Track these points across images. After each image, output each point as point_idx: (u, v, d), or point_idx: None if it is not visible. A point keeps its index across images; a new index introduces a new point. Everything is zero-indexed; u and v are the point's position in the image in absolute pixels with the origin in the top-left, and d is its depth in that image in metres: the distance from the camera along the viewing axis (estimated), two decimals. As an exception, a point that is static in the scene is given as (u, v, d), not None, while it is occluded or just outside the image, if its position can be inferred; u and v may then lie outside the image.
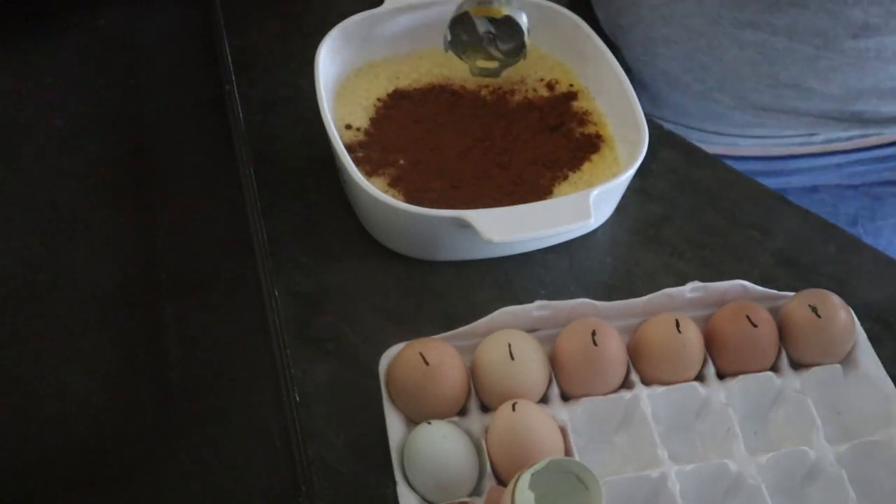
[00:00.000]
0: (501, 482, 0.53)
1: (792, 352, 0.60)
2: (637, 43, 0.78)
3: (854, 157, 0.79)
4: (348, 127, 0.69)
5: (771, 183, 0.71)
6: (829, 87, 0.72)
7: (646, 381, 0.58)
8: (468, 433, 0.55)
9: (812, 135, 0.78)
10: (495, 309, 0.58)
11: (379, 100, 0.71)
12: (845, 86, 0.72)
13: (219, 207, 0.68)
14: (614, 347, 0.57)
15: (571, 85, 0.73)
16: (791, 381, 0.59)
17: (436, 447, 0.53)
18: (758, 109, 0.76)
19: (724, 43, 0.72)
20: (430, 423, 0.53)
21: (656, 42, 0.76)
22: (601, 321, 0.57)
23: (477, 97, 0.73)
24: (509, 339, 0.56)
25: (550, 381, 0.57)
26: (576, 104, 0.72)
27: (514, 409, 0.53)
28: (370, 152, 0.67)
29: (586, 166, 0.68)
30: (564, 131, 0.70)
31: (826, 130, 0.77)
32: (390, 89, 0.72)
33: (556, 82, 0.73)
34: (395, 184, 0.65)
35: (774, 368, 0.59)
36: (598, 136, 0.69)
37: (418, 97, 0.72)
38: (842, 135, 0.77)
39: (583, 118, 0.71)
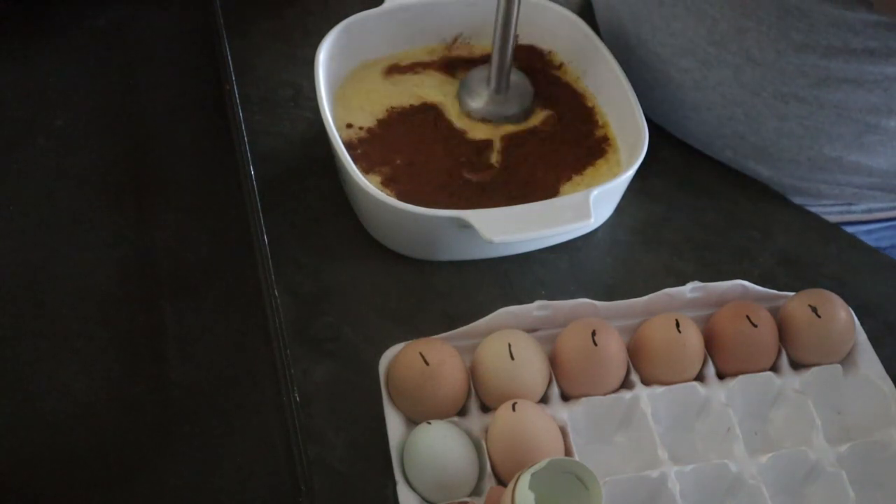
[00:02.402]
0: (501, 482, 0.53)
1: (792, 352, 0.60)
2: (663, 102, 0.72)
3: (890, 223, 0.75)
4: (349, 126, 0.69)
5: None
6: (875, 160, 0.68)
7: (646, 381, 0.58)
8: (468, 433, 0.55)
9: (851, 205, 0.73)
10: (495, 309, 0.58)
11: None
12: (892, 159, 0.68)
13: (219, 207, 0.68)
14: (614, 347, 0.57)
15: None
16: (791, 381, 0.59)
17: (436, 447, 0.53)
18: (796, 179, 0.70)
19: (764, 114, 0.67)
20: (430, 423, 0.53)
21: (685, 105, 0.70)
22: (601, 321, 0.57)
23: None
24: (509, 339, 0.56)
25: (550, 381, 0.57)
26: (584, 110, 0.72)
27: (514, 409, 0.53)
28: (369, 149, 0.67)
29: (589, 171, 0.68)
30: (568, 137, 0.70)
31: (868, 201, 0.73)
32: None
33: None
34: (388, 183, 0.65)
35: (774, 368, 0.59)
36: (605, 139, 0.69)
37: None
38: (883, 205, 0.74)
39: (590, 129, 0.70)
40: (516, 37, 0.66)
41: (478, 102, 0.70)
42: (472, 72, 0.71)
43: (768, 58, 0.63)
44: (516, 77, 0.71)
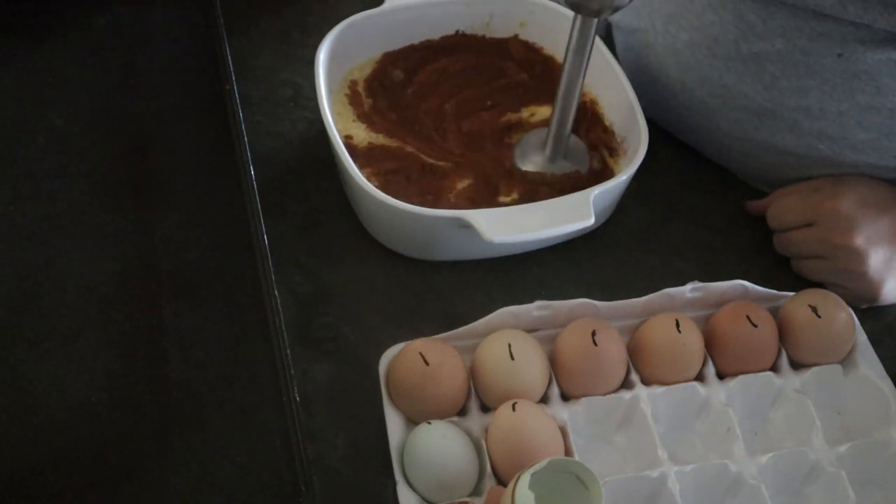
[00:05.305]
0: (501, 482, 0.53)
1: (792, 352, 0.60)
2: (707, 146, 0.72)
3: None
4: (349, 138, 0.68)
5: None
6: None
7: (646, 381, 0.58)
8: (468, 433, 0.55)
9: None
10: (495, 309, 0.58)
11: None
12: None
13: (219, 207, 0.68)
14: (614, 347, 0.57)
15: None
16: (791, 381, 0.59)
17: (436, 447, 0.53)
18: None
19: (819, 162, 0.66)
20: (430, 423, 0.53)
21: (732, 150, 0.70)
22: (601, 321, 0.57)
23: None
24: (509, 339, 0.56)
25: (550, 381, 0.57)
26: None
27: (514, 409, 0.53)
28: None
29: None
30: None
31: None
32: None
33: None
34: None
35: (774, 368, 0.59)
36: (606, 131, 0.70)
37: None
38: None
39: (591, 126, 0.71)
40: (578, 104, 0.63)
41: (529, 167, 0.67)
42: (526, 135, 0.69)
43: (829, 116, 0.62)
44: (572, 143, 0.68)
